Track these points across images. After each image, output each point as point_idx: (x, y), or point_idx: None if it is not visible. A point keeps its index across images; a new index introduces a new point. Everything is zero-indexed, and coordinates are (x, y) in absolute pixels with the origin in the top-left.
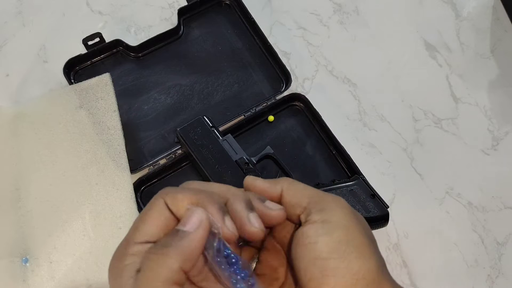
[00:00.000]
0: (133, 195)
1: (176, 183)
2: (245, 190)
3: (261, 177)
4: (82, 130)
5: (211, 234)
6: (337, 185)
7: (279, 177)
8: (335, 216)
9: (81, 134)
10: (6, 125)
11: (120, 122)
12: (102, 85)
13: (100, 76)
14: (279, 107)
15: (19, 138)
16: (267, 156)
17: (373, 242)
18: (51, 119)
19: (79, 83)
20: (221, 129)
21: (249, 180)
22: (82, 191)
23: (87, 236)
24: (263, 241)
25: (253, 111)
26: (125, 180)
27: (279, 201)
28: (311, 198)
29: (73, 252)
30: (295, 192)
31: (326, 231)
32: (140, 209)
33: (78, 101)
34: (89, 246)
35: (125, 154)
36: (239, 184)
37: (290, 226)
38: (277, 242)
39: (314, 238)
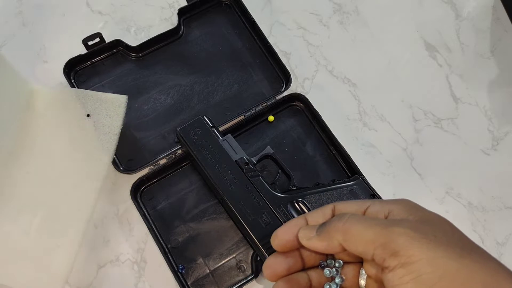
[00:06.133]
0: (87, 225)
1: (176, 183)
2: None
3: (261, 177)
4: (82, 138)
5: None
6: (337, 185)
7: (279, 177)
8: (412, 254)
9: (80, 141)
10: (24, 95)
11: (115, 147)
12: (116, 104)
13: (118, 95)
14: (279, 107)
15: (29, 114)
16: (267, 156)
17: (463, 246)
18: (62, 114)
19: (97, 92)
20: (221, 129)
21: (304, 240)
22: (44, 192)
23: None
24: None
25: (253, 111)
26: (88, 205)
27: (343, 251)
28: (376, 242)
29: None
30: (354, 243)
31: (412, 277)
32: (140, 210)
33: (90, 109)
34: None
35: (102, 180)
36: (238, 183)
37: None
38: None
39: (403, 287)
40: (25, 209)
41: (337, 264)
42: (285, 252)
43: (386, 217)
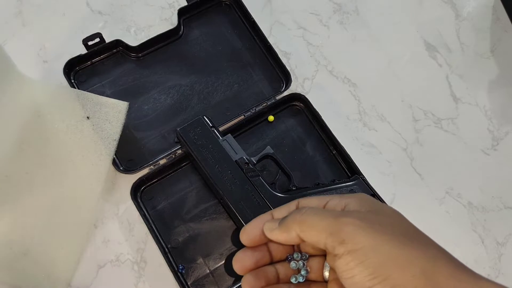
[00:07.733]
0: (88, 232)
1: (176, 183)
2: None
3: (261, 177)
4: (81, 140)
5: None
6: (337, 185)
7: (279, 177)
8: (358, 241)
9: (75, 144)
10: (25, 92)
11: (114, 153)
12: (116, 110)
13: (119, 101)
14: (279, 107)
15: (29, 114)
16: (267, 156)
17: (407, 234)
18: (62, 114)
19: (98, 95)
20: (221, 129)
21: (267, 232)
22: (44, 193)
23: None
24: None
25: (253, 111)
26: (90, 208)
27: (302, 242)
28: (327, 231)
29: None
30: (309, 233)
31: (357, 262)
32: (140, 210)
33: (89, 111)
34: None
35: (101, 185)
36: (238, 183)
37: None
38: None
39: (349, 272)
40: (28, 211)
41: (303, 257)
42: (254, 247)
43: (342, 210)
